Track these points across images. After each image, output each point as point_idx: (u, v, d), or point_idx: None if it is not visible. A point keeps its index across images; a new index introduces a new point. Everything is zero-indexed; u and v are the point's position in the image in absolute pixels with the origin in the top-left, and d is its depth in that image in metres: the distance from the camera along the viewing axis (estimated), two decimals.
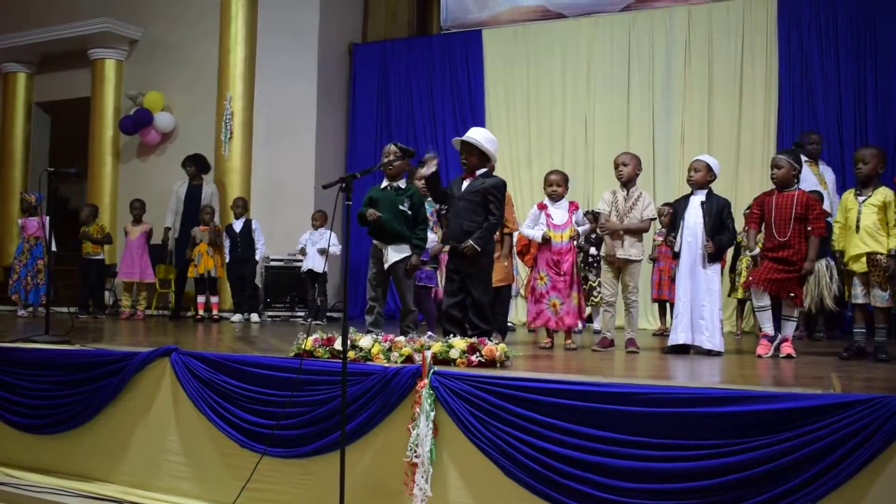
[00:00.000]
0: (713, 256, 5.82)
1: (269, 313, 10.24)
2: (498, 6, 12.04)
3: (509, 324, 7.57)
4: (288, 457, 4.34)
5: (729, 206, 5.98)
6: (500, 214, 5.33)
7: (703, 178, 5.95)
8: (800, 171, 5.72)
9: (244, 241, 9.70)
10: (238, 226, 9.76)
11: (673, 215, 6.24)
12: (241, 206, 9.88)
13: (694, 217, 5.91)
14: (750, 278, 5.70)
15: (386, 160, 5.37)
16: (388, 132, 11.75)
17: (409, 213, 5.46)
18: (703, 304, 5.79)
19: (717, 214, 5.84)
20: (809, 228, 5.51)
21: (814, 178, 7.57)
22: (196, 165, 10.38)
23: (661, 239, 8.61)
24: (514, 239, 6.69)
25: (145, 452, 4.87)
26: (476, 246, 5.10)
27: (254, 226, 9.79)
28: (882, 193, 5.43)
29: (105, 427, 4.99)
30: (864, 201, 5.46)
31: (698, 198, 5.96)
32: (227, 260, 9.67)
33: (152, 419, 4.87)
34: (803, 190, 5.71)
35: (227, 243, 9.65)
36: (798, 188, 5.67)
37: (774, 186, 5.71)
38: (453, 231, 5.30)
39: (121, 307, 10.20)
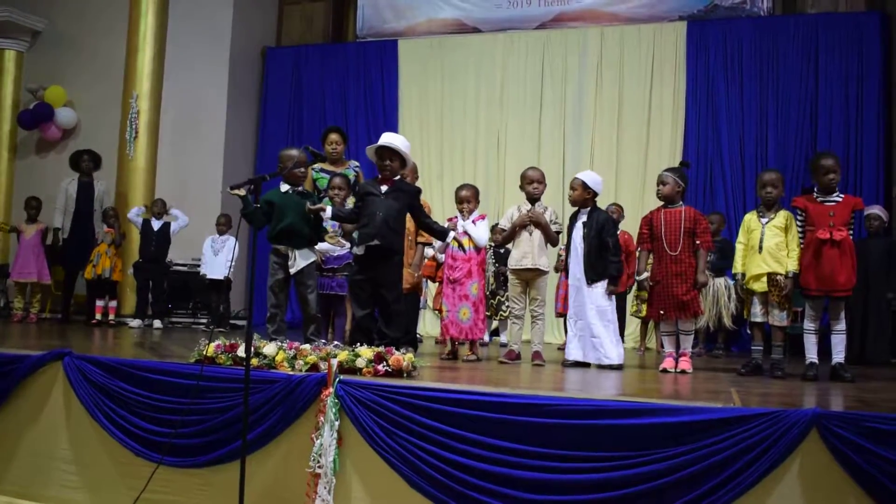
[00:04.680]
0: (598, 279, 5.84)
1: (171, 320, 9.95)
2: (415, 17, 12.04)
3: (418, 335, 7.52)
4: (186, 466, 4.22)
5: (610, 221, 5.97)
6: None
7: (579, 196, 5.99)
8: (684, 189, 5.87)
9: (159, 242, 9.45)
10: (157, 225, 9.51)
11: (568, 234, 6.25)
12: (161, 206, 9.60)
13: (578, 236, 5.98)
14: (661, 312, 5.73)
15: (291, 165, 5.30)
16: (299, 138, 11.57)
17: (312, 217, 5.45)
18: (592, 323, 5.83)
19: (598, 234, 5.87)
20: (698, 242, 5.68)
21: None
22: (94, 161, 10.04)
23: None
24: (427, 251, 6.69)
25: (33, 461, 4.67)
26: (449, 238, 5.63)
27: (172, 227, 9.54)
28: (784, 216, 5.62)
29: None
30: (767, 223, 5.63)
31: (581, 219, 6.01)
32: (138, 259, 9.43)
33: (42, 426, 4.68)
34: (690, 206, 5.87)
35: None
36: (684, 205, 5.83)
37: (661, 203, 5.87)
38: (378, 228, 5.28)
39: (12, 309, 9.75)
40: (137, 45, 10.17)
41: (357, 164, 6.83)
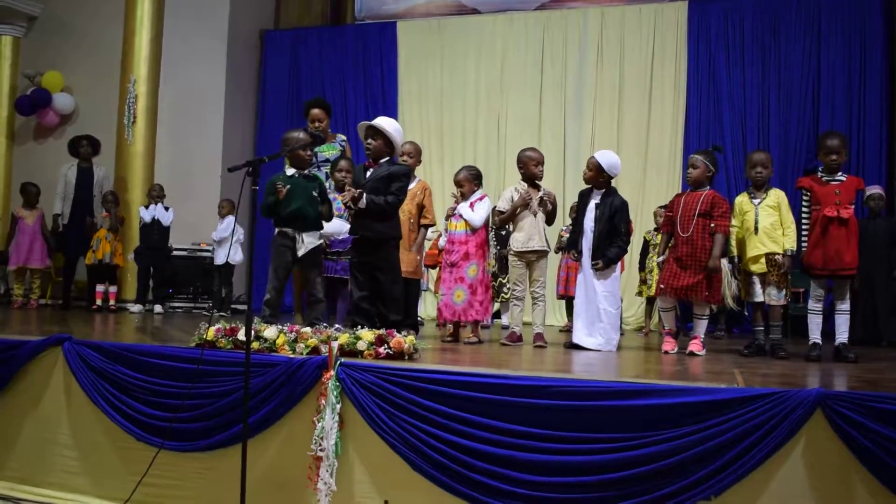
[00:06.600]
0: (603, 266, 5.77)
1: (172, 304, 9.94)
2: None
3: (419, 318, 7.51)
4: (187, 450, 4.20)
5: (624, 208, 5.84)
6: (401, 196, 5.41)
7: (592, 177, 5.92)
8: (714, 174, 5.74)
9: (161, 228, 9.46)
10: (157, 212, 9.50)
11: (577, 213, 6.19)
12: (159, 191, 9.59)
13: (590, 219, 5.88)
14: (661, 286, 5.64)
15: (294, 146, 5.22)
16: (298, 121, 11.48)
17: (320, 199, 5.39)
18: (599, 306, 5.76)
19: (610, 219, 5.78)
20: (713, 225, 5.50)
21: None
22: (93, 146, 10.04)
23: (568, 236, 8.66)
24: (429, 233, 6.67)
25: (34, 447, 4.65)
26: (366, 200, 5.22)
27: (164, 222, 9.54)
28: (776, 194, 5.60)
29: None
30: (759, 203, 5.60)
31: (594, 200, 5.92)
32: (140, 245, 9.45)
33: (43, 412, 4.65)
34: (713, 191, 5.73)
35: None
36: (710, 189, 5.71)
37: (690, 186, 5.75)
38: (359, 221, 5.33)
39: (13, 296, 9.73)
40: (134, 29, 10.10)
41: (344, 137, 6.70)
